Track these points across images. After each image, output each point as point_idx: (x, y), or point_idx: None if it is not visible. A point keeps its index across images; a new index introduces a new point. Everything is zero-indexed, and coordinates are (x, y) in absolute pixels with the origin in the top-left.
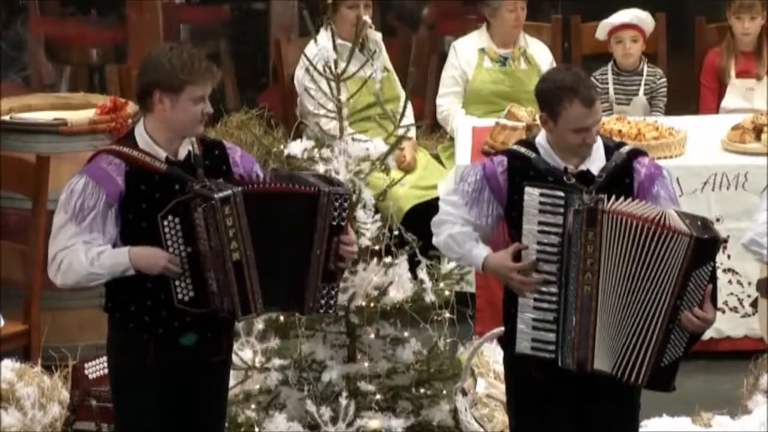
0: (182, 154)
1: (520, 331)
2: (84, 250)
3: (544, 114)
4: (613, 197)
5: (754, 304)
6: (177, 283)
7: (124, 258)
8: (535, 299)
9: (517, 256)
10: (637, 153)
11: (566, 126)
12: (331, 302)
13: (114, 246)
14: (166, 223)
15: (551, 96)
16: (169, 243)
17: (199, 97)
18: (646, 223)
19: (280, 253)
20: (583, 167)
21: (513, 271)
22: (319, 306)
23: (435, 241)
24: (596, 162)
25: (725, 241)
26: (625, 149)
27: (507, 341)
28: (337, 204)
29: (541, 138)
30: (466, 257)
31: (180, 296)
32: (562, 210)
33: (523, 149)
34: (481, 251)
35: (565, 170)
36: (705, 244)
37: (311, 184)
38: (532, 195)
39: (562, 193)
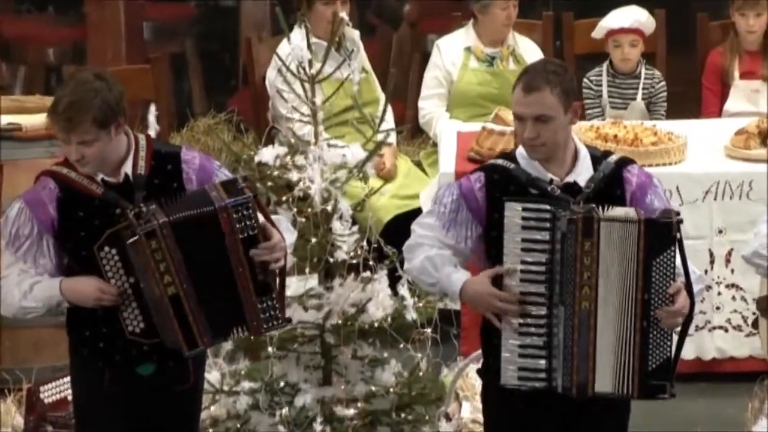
0: (123, 175)
1: (505, 360)
2: (17, 282)
3: None
4: (605, 206)
5: (755, 325)
6: (125, 314)
7: (56, 291)
8: (521, 324)
9: (497, 280)
10: (626, 162)
11: (512, 111)
12: (275, 313)
13: (66, 274)
14: (102, 254)
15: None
16: (110, 274)
17: (60, 138)
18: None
19: (215, 279)
20: (569, 179)
21: (494, 298)
22: (264, 321)
23: (408, 267)
24: (583, 173)
25: (680, 220)
26: (612, 158)
27: (488, 373)
28: (238, 216)
29: (522, 148)
30: (442, 283)
31: (130, 328)
32: (548, 225)
33: (501, 161)
34: (461, 276)
35: (550, 181)
36: (657, 227)
37: (209, 201)
38: (513, 210)
39: (548, 207)
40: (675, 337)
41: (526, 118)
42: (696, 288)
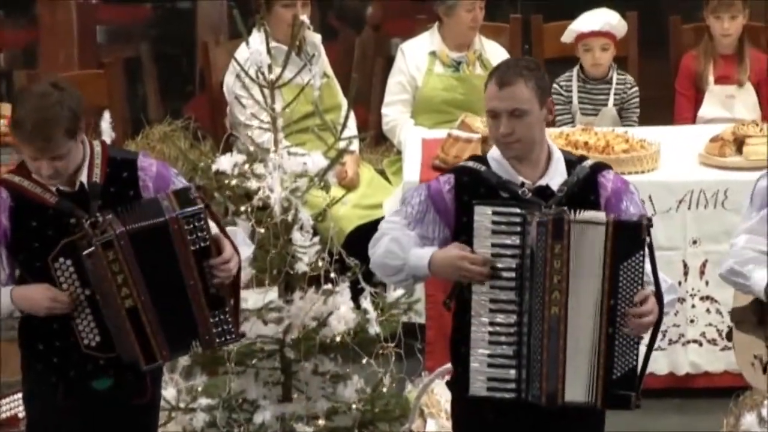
0: (78, 183)
1: (474, 370)
2: None
3: None
4: (578, 210)
5: (729, 337)
6: (80, 327)
7: (7, 299)
8: (491, 333)
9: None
10: (601, 167)
11: (485, 108)
12: (228, 327)
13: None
14: (57, 265)
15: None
16: (65, 286)
17: (31, 156)
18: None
19: (170, 291)
20: (541, 182)
21: (463, 259)
22: (217, 335)
23: (372, 260)
24: (557, 176)
25: (650, 224)
26: (588, 163)
27: (457, 384)
28: (189, 227)
29: (494, 151)
30: (410, 261)
31: (86, 342)
32: (519, 229)
33: (471, 163)
34: (428, 250)
35: (522, 184)
36: (624, 229)
37: (160, 211)
38: (483, 214)
39: (518, 210)
40: (644, 347)
41: (501, 112)
42: (667, 298)
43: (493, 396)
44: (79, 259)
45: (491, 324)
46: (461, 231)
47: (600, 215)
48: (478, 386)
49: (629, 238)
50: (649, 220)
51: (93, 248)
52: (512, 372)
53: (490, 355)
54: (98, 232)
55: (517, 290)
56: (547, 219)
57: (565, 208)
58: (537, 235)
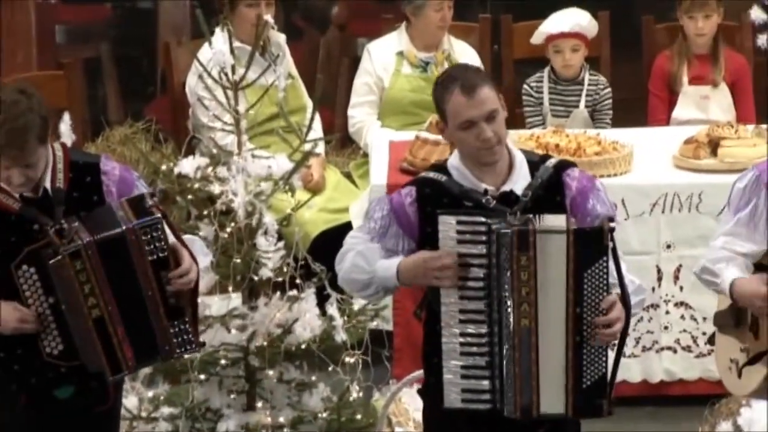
0: (41, 189)
1: (448, 381)
2: None
3: (440, 120)
4: (542, 216)
5: (711, 341)
6: (43, 336)
7: None
8: (462, 344)
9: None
10: (565, 165)
11: (454, 124)
12: (188, 337)
13: None
14: (20, 273)
15: (437, 95)
16: (27, 294)
17: (3, 166)
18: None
19: (132, 302)
20: (505, 188)
21: (429, 262)
22: (176, 346)
23: (339, 276)
24: (520, 180)
25: (612, 228)
26: (551, 162)
27: (429, 394)
28: (147, 238)
29: (453, 158)
30: (378, 273)
31: (48, 350)
32: (484, 238)
33: (432, 174)
34: (395, 260)
35: (485, 192)
36: (586, 236)
37: (115, 223)
38: (447, 224)
39: (483, 219)
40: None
41: (479, 120)
42: (635, 299)
43: (468, 407)
44: (43, 267)
45: (462, 335)
46: (426, 242)
47: (560, 222)
48: (453, 398)
49: (592, 245)
50: (612, 222)
51: (60, 257)
52: (485, 383)
53: (463, 366)
54: (65, 241)
55: (486, 300)
56: (512, 231)
57: (531, 216)
58: (503, 247)
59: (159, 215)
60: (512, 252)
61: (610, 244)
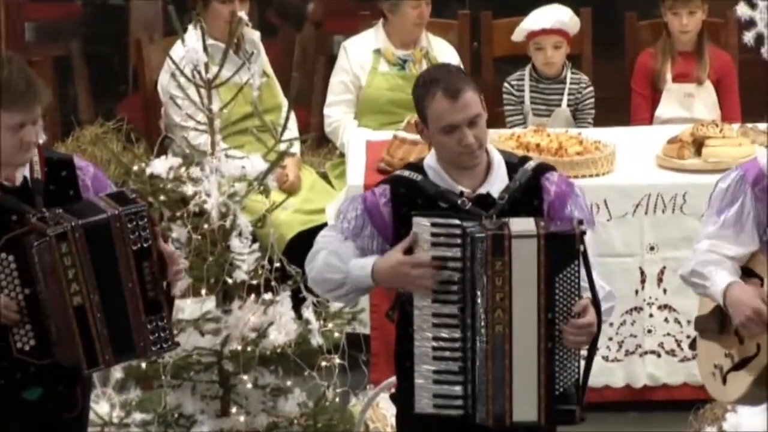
0: (20, 178)
1: (419, 386)
2: None
3: (419, 121)
4: (517, 220)
5: (693, 346)
6: (15, 330)
7: None
8: (435, 348)
9: (408, 251)
10: (544, 169)
11: (435, 127)
12: (164, 335)
13: None
14: None
15: (418, 96)
16: (4, 284)
17: (16, 124)
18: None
19: (113, 292)
20: (481, 190)
21: (407, 264)
22: (153, 343)
23: (310, 276)
24: (497, 182)
25: (583, 232)
26: (530, 165)
27: (401, 399)
28: (132, 225)
29: (430, 158)
30: (351, 272)
31: (19, 345)
32: (459, 241)
33: (407, 173)
34: (369, 259)
35: (461, 194)
36: (557, 240)
37: (100, 210)
38: (422, 226)
39: (457, 221)
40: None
41: (462, 124)
42: (605, 305)
43: (440, 413)
44: (22, 255)
45: (435, 339)
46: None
47: (529, 226)
48: (424, 403)
49: (563, 250)
50: (582, 226)
51: (46, 239)
52: (458, 389)
53: (435, 371)
54: (53, 223)
55: (460, 305)
56: (486, 235)
57: (506, 219)
58: (477, 251)
59: (145, 204)
60: (486, 257)
61: (581, 248)
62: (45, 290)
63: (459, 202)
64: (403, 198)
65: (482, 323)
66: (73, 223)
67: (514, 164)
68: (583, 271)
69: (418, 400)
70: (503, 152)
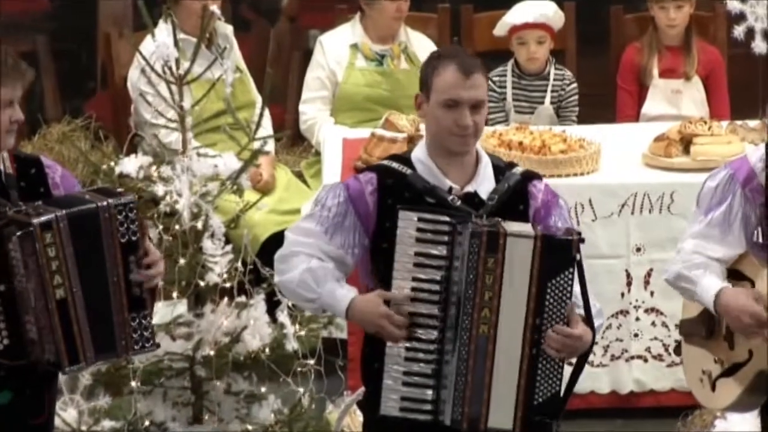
0: None
1: (387, 387)
2: None
3: (421, 93)
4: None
5: (677, 351)
6: None
7: None
8: (408, 348)
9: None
10: (531, 176)
11: (437, 99)
12: (146, 334)
13: None
14: None
15: (428, 66)
16: None
17: (5, 101)
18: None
19: (97, 286)
20: (469, 188)
21: (385, 318)
22: (134, 342)
23: (281, 279)
24: (485, 182)
25: (581, 239)
26: (518, 170)
27: (367, 404)
28: (122, 217)
29: (419, 151)
30: (324, 299)
31: None
32: (446, 239)
33: (396, 164)
34: (347, 293)
35: (450, 190)
36: (554, 244)
37: (86, 201)
38: (408, 221)
39: (447, 218)
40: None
41: (464, 103)
42: (595, 323)
43: (407, 417)
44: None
45: (410, 339)
46: (382, 237)
47: (528, 228)
48: (390, 405)
49: (558, 255)
50: (580, 236)
51: (30, 228)
52: (429, 392)
53: (405, 373)
54: (35, 214)
55: (440, 305)
56: (481, 230)
57: (499, 219)
58: (469, 247)
59: (135, 197)
60: (480, 253)
61: (577, 257)
62: (25, 284)
63: (449, 198)
64: (390, 189)
65: (467, 322)
66: (58, 213)
67: (501, 167)
68: (576, 286)
69: (384, 402)
70: (490, 155)
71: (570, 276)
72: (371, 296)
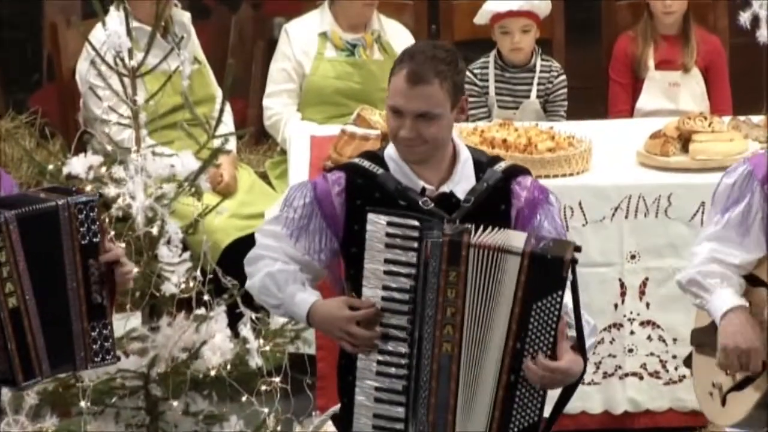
0: None
1: (359, 404)
2: None
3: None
4: (481, 228)
5: (687, 362)
6: None
7: None
8: (379, 362)
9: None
10: (516, 171)
11: (387, 101)
12: (107, 346)
13: None
14: None
15: (394, 65)
16: None
17: None
18: (497, 250)
19: (53, 293)
20: (444, 188)
21: (350, 322)
22: (94, 354)
23: (248, 284)
24: (463, 182)
25: (575, 260)
26: (500, 166)
27: (342, 418)
28: (82, 216)
29: (392, 148)
30: (287, 305)
31: None
32: (415, 244)
33: (367, 163)
34: (309, 297)
35: (423, 191)
36: (544, 263)
37: (42, 200)
38: (377, 224)
39: (416, 222)
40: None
41: (407, 114)
42: (588, 342)
43: None
44: None
45: (380, 352)
46: (351, 242)
47: (514, 241)
48: (362, 422)
49: (548, 275)
50: (578, 251)
51: None
52: (400, 410)
53: (377, 389)
54: None
55: (410, 315)
56: (442, 240)
57: (468, 225)
58: (430, 258)
59: (97, 195)
60: (440, 266)
61: (570, 277)
62: None
63: (420, 201)
64: (360, 189)
65: (427, 339)
66: (7, 214)
67: (483, 163)
68: (570, 304)
69: (357, 419)
70: (474, 150)
71: (558, 299)
72: (335, 300)
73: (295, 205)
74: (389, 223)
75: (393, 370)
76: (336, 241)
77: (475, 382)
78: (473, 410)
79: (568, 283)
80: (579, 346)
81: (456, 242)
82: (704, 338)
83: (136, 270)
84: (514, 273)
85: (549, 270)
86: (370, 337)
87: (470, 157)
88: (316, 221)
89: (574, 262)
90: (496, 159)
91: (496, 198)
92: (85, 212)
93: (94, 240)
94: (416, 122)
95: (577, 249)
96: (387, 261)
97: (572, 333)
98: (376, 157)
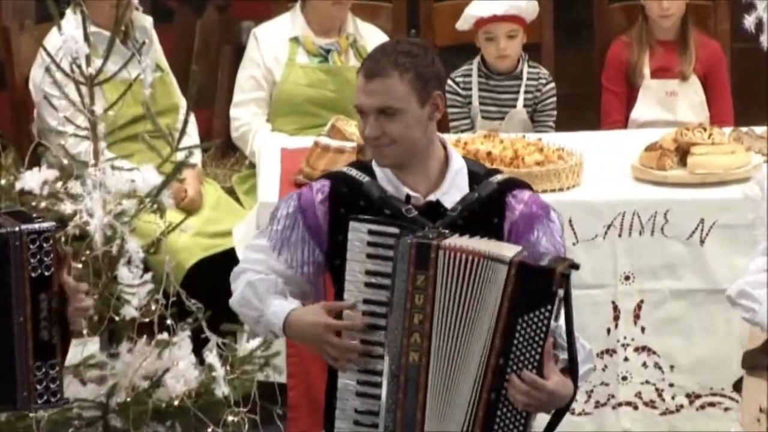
0: None
1: (338, 429)
2: None
3: None
4: (467, 236)
5: (737, 387)
6: None
7: None
8: (359, 382)
9: (338, 314)
10: (513, 184)
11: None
12: (53, 387)
13: None
14: None
15: None
16: None
17: None
18: (477, 256)
19: (4, 328)
20: (432, 197)
21: (328, 330)
22: (38, 395)
23: (231, 300)
24: (454, 192)
25: (567, 274)
26: (496, 178)
27: None
28: (34, 247)
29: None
30: (266, 315)
31: None
32: (393, 253)
33: (354, 172)
34: (287, 305)
35: (408, 199)
36: (532, 274)
37: None
38: (358, 232)
39: (395, 230)
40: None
41: (369, 111)
42: (582, 368)
43: None
44: None
45: (361, 371)
46: (335, 253)
47: (504, 250)
48: None
49: (536, 287)
50: (573, 269)
51: None
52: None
53: (357, 411)
54: None
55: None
56: (411, 242)
57: (447, 231)
58: (398, 262)
59: (54, 224)
60: (408, 268)
61: (560, 293)
62: None
63: (404, 209)
64: (344, 198)
65: (395, 348)
66: None
67: (479, 174)
68: (563, 323)
69: None
70: (472, 162)
71: (547, 314)
72: (312, 307)
73: (278, 217)
74: (370, 231)
75: (371, 389)
76: (320, 253)
77: (449, 397)
78: (446, 428)
79: (561, 302)
80: (571, 370)
81: (423, 244)
82: (756, 360)
83: (94, 297)
84: (500, 283)
85: (538, 282)
86: (352, 348)
87: (465, 168)
88: (299, 231)
89: (567, 276)
90: (495, 171)
91: (489, 210)
92: (38, 242)
93: (46, 273)
94: (379, 119)
95: (575, 266)
96: (368, 272)
97: (564, 356)
98: (365, 166)
